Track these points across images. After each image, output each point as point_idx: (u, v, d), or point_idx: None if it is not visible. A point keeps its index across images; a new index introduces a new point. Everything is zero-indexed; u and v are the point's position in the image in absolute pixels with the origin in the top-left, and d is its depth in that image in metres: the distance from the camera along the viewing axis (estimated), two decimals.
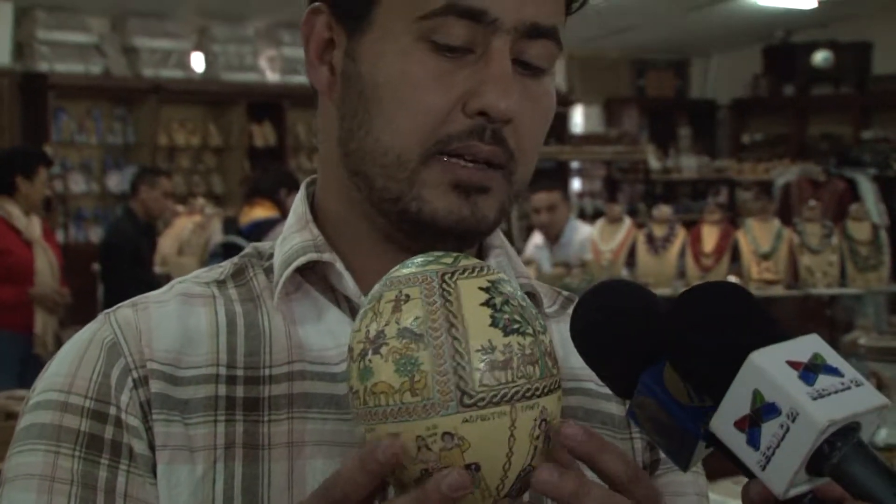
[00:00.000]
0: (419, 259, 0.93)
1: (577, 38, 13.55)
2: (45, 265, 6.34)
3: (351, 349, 0.91)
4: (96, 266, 7.81)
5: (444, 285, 0.90)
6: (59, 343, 4.98)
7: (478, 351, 0.88)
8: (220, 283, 1.16)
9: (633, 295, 0.97)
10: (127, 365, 1.08)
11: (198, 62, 11.92)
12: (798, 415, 0.84)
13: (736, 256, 6.70)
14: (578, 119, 15.55)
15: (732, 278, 6.55)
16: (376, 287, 0.93)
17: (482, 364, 0.88)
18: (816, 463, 0.85)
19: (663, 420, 0.93)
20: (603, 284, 0.99)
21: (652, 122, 16.03)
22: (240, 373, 1.10)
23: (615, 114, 15.77)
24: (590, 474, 0.89)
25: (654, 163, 13.99)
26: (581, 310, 0.98)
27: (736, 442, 0.88)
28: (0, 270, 6.18)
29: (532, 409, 0.89)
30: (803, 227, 6.66)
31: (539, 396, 0.89)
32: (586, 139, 14.17)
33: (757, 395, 0.86)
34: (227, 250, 5.40)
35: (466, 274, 0.91)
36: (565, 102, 14.70)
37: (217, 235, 7.64)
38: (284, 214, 5.50)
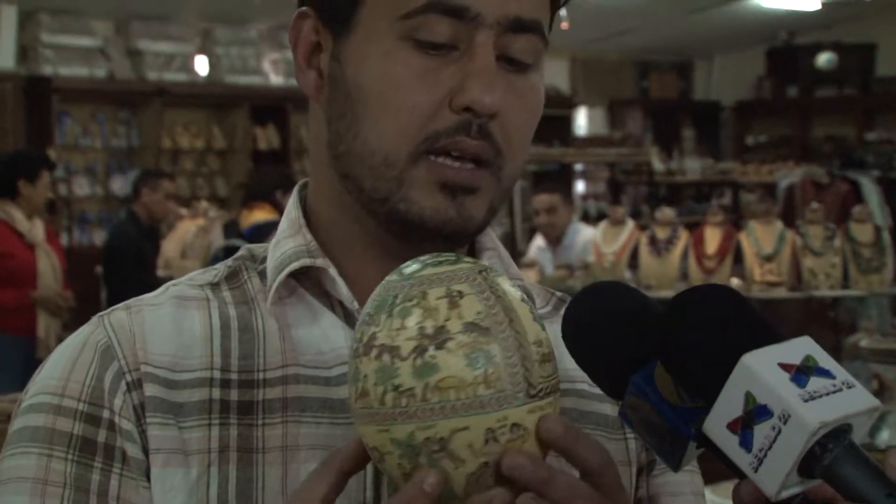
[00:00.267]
0: (427, 259, 0.94)
1: (580, 40, 13.56)
2: (48, 268, 6.34)
3: (391, 348, 0.90)
4: (100, 269, 7.82)
5: (488, 282, 0.93)
6: None
7: (533, 344, 0.92)
8: (215, 286, 1.16)
9: (624, 296, 0.98)
10: (121, 368, 1.08)
11: (201, 65, 11.93)
12: (790, 417, 0.85)
13: (739, 258, 6.70)
14: (582, 121, 15.55)
15: (735, 280, 6.55)
16: (396, 287, 0.92)
17: (538, 356, 0.92)
18: (808, 464, 0.86)
19: (654, 421, 0.93)
20: (594, 286, 0.99)
21: (655, 124, 16.03)
22: (234, 376, 1.09)
23: (618, 116, 15.77)
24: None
25: (657, 165, 13.98)
26: (572, 311, 0.98)
27: (728, 444, 0.88)
28: (2, 274, 6.18)
29: (558, 400, 0.94)
30: (806, 229, 6.66)
31: (560, 389, 0.95)
32: (590, 141, 14.17)
33: (749, 397, 0.86)
34: (229, 254, 5.37)
35: (491, 273, 0.94)
36: (569, 104, 14.71)
37: (218, 239, 7.65)
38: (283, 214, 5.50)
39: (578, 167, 14.18)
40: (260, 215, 6.65)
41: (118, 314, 1.13)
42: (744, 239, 6.71)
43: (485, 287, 0.92)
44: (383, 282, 0.94)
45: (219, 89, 12.04)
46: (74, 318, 6.45)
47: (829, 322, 7.11)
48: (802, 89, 15.36)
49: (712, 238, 6.74)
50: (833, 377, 0.87)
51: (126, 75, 11.61)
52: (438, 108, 1.07)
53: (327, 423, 1.09)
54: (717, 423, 0.88)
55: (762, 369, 0.86)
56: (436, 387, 0.88)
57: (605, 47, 14.95)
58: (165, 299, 1.14)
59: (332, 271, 1.12)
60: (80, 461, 1.05)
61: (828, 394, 0.86)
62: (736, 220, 9.75)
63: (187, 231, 8.12)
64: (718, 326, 0.90)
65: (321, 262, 1.13)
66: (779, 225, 6.76)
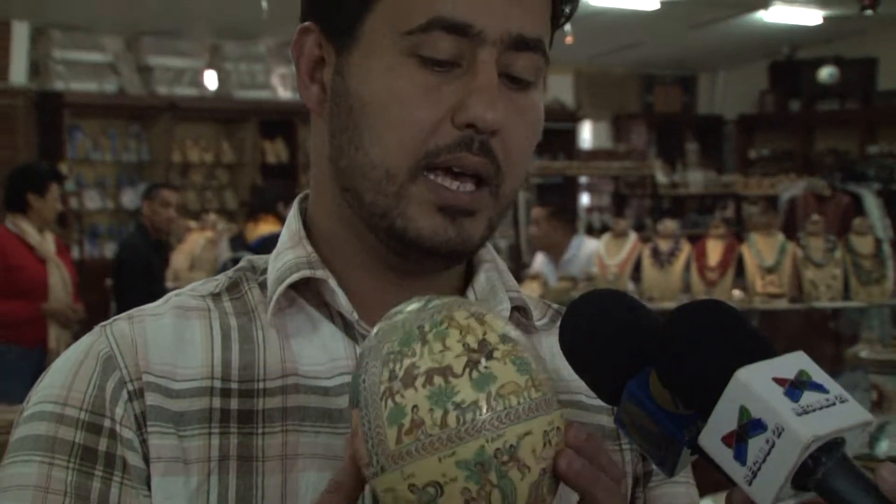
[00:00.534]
0: (418, 298, 0.95)
1: (585, 54, 13.59)
2: (59, 281, 6.35)
3: (441, 369, 0.88)
4: (110, 281, 7.83)
5: (486, 310, 0.95)
6: None
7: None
8: (216, 297, 1.16)
9: (618, 304, 0.98)
10: (122, 377, 1.08)
11: (211, 80, 11.97)
12: (783, 430, 0.85)
13: (741, 270, 6.70)
14: (587, 135, 15.57)
15: (737, 292, 6.55)
16: (415, 319, 0.92)
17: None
18: (801, 478, 0.86)
19: (649, 427, 0.94)
20: (590, 293, 1.00)
21: (659, 138, 16.05)
22: (234, 386, 1.09)
23: (623, 129, 15.80)
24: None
25: (661, 178, 13.99)
26: (568, 319, 0.98)
27: (723, 457, 0.88)
28: (14, 286, 6.19)
29: None
30: (807, 241, 6.66)
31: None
32: (594, 154, 14.19)
33: (744, 411, 0.87)
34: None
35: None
36: (573, 118, 14.73)
37: (225, 251, 7.66)
38: None
39: (583, 180, 14.20)
40: (265, 227, 6.68)
41: (120, 324, 1.13)
42: (745, 251, 6.70)
43: (488, 308, 0.94)
44: (386, 323, 0.94)
45: (228, 104, 12.08)
46: (85, 330, 6.35)
47: (830, 333, 7.11)
48: (804, 103, 15.38)
49: (714, 250, 6.74)
50: (826, 391, 0.88)
51: (136, 90, 11.65)
52: (440, 123, 1.07)
53: (326, 433, 1.08)
54: (713, 437, 0.88)
55: (756, 384, 0.87)
56: (498, 394, 0.88)
57: (609, 61, 14.97)
58: (167, 309, 1.14)
59: (332, 282, 1.12)
60: (82, 469, 1.05)
61: (821, 408, 0.86)
62: (738, 232, 9.74)
63: (196, 243, 8.13)
64: (714, 341, 0.91)
65: (321, 273, 1.13)
66: (780, 237, 6.76)
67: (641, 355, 0.94)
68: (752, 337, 0.91)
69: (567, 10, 1.15)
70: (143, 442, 1.06)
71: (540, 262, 7.53)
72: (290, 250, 1.16)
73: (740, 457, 0.87)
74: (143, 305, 1.16)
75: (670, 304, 6.31)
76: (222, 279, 1.18)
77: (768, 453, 0.85)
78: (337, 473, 0.94)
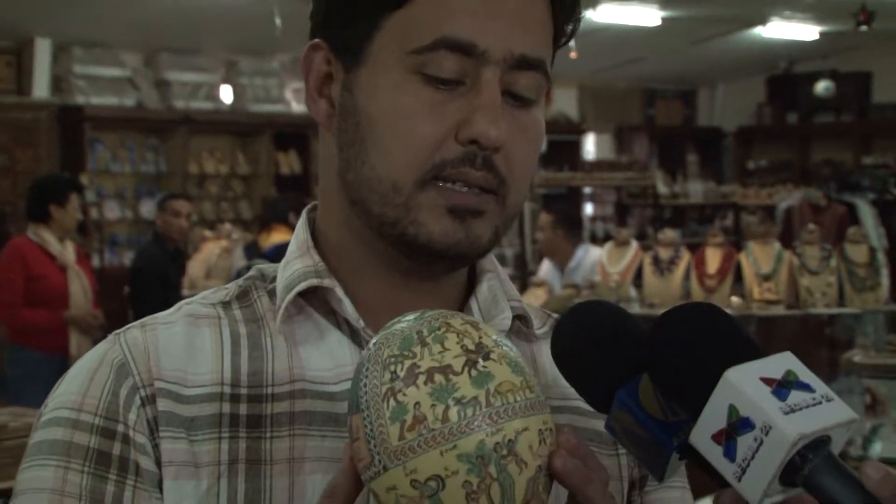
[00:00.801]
0: (412, 313, 0.96)
1: (589, 69, 13.59)
2: (79, 289, 6.35)
3: (441, 368, 0.90)
4: (128, 289, 7.83)
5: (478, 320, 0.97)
6: None
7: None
8: (226, 305, 1.16)
9: (606, 315, 0.98)
10: (135, 384, 1.08)
11: (226, 94, 11.99)
12: (771, 429, 0.85)
13: (739, 278, 6.69)
14: (590, 146, 15.57)
15: (735, 299, 6.54)
16: (412, 328, 0.93)
17: None
18: (789, 474, 0.86)
19: (639, 433, 0.94)
20: (578, 306, 1.00)
21: (661, 149, 16.06)
22: (243, 391, 1.10)
23: (625, 141, 15.80)
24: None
25: (662, 188, 14.00)
26: (559, 331, 0.99)
27: (714, 454, 0.89)
28: (36, 295, 6.20)
29: None
30: (803, 250, 6.65)
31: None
32: (598, 166, 14.19)
33: (733, 410, 0.87)
34: None
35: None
36: (578, 130, 14.74)
37: (239, 260, 7.67)
38: None
39: (587, 190, 14.20)
40: (278, 236, 6.68)
41: (133, 332, 1.13)
42: (743, 259, 6.70)
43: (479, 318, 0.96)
44: (383, 334, 0.94)
45: (243, 117, 12.10)
46: (105, 336, 6.44)
47: (825, 339, 7.10)
48: (801, 116, 15.38)
49: (713, 258, 6.73)
50: (813, 391, 0.88)
51: (154, 104, 11.68)
52: (445, 139, 1.07)
53: (332, 436, 1.09)
54: (703, 435, 0.89)
55: (745, 384, 0.87)
56: (496, 391, 0.89)
57: (612, 76, 14.98)
58: (178, 317, 1.14)
59: (339, 291, 1.13)
60: (96, 473, 1.06)
61: (807, 407, 0.87)
62: (737, 241, 9.74)
63: (212, 252, 8.14)
64: (704, 343, 0.91)
65: (328, 281, 1.13)
66: (777, 246, 6.76)
67: (630, 364, 0.95)
68: (740, 338, 0.92)
69: (568, 30, 1.15)
70: (156, 446, 1.07)
71: (546, 269, 7.52)
72: (298, 259, 1.16)
73: (730, 454, 0.87)
74: (156, 314, 1.16)
75: None
76: (233, 288, 1.19)
77: (756, 451, 0.86)
78: (334, 478, 0.94)
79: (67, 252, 6.37)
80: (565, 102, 14.72)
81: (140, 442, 1.06)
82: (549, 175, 12.97)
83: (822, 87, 14.60)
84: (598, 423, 1.19)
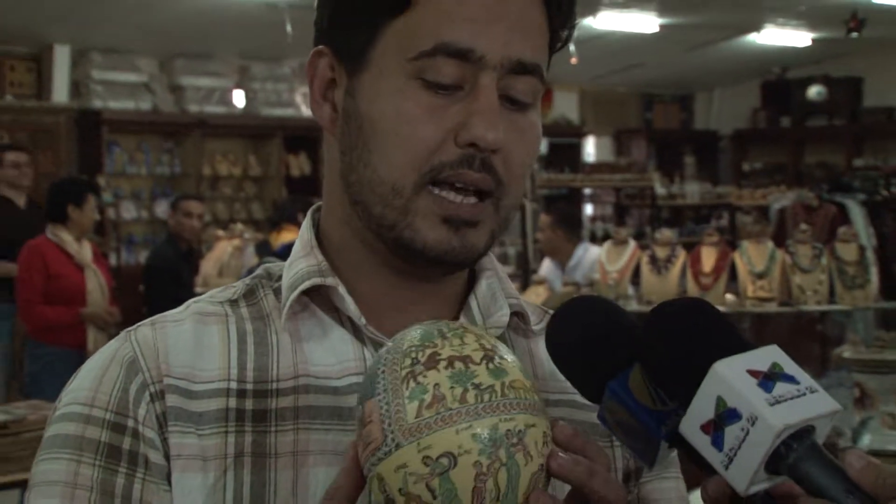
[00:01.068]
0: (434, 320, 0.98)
1: (589, 74, 13.60)
2: (96, 287, 6.36)
3: (462, 357, 0.91)
4: (143, 287, 7.84)
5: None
6: None
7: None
8: (233, 303, 1.16)
9: (599, 309, 0.99)
10: (145, 380, 1.09)
11: (239, 99, 11.99)
12: (757, 419, 0.86)
13: (733, 276, 6.68)
14: (590, 149, 15.57)
15: (729, 296, 6.53)
16: (433, 326, 0.95)
17: None
18: (774, 463, 0.87)
19: (629, 422, 0.95)
20: (571, 301, 1.01)
21: (659, 152, 16.05)
22: (249, 386, 1.10)
23: (624, 144, 15.80)
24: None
25: (660, 189, 13.98)
26: (552, 326, 1.00)
27: (702, 443, 0.89)
28: (54, 293, 6.21)
29: None
30: (795, 249, 6.64)
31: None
32: (597, 168, 14.18)
33: (720, 401, 0.88)
34: None
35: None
36: (578, 134, 14.74)
37: (250, 258, 7.68)
38: None
39: (587, 191, 14.20)
40: (288, 236, 6.69)
41: (143, 330, 1.13)
42: (737, 258, 6.69)
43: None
44: (402, 332, 0.95)
45: (255, 121, 12.11)
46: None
47: (817, 335, 7.09)
48: (795, 119, 15.36)
49: (708, 257, 6.72)
50: (798, 383, 0.88)
51: (169, 108, 11.69)
52: (444, 141, 1.07)
53: (336, 430, 1.09)
54: (692, 425, 0.89)
55: (732, 376, 0.87)
56: (510, 385, 0.91)
57: (612, 81, 14.98)
58: (187, 315, 1.15)
59: (342, 289, 1.13)
60: (107, 466, 1.06)
61: (792, 398, 0.87)
62: (732, 240, 9.72)
63: (224, 251, 8.14)
64: (692, 336, 0.92)
65: (331, 280, 1.13)
66: (770, 245, 6.74)
67: (621, 357, 0.95)
68: (729, 331, 0.92)
69: (564, 35, 1.15)
70: (164, 441, 1.07)
71: (547, 267, 7.51)
72: (302, 259, 1.16)
73: (717, 443, 0.88)
74: (166, 312, 1.16)
75: None
76: (240, 286, 1.19)
77: (743, 440, 0.86)
78: (335, 480, 0.94)
79: (85, 251, 6.38)
80: (566, 106, 14.71)
81: (149, 436, 1.07)
82: (550, 176, 12.97)
83: (814, 91, 14.60)
84: (595, 416, 1.19)
